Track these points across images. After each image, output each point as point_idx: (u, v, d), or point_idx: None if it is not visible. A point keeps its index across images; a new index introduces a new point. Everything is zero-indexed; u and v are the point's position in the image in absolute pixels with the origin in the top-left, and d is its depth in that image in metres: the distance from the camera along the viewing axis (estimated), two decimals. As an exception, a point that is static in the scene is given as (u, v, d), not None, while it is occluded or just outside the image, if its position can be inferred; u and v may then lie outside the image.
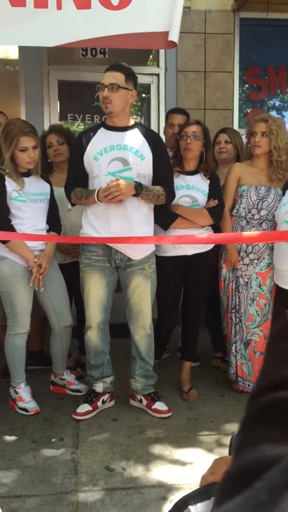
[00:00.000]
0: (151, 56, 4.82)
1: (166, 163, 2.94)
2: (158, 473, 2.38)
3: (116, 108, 2.75)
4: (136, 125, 2.90)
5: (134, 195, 2.72)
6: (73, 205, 2.98)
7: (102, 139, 2.80)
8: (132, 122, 2.89)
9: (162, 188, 2.82)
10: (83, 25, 2.99)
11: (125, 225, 2.79)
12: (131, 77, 2.78)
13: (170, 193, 2.88)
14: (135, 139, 2.82)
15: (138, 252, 2.86)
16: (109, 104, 2.74)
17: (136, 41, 3.07)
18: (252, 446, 0.31)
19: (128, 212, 2.78)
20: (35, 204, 2.93)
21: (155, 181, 2.85)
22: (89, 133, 2.87)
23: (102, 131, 2.84)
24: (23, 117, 4.45)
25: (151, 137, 2.88)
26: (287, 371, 0.33)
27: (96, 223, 2.81)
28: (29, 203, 2.90)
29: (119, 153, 2.77)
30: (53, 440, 2.68)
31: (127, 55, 4.38)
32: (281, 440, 0.29)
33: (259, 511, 0.26)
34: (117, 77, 2.73)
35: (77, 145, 2.89)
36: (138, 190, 2.71)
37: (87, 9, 2.99)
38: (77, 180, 2.85)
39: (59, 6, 2.97)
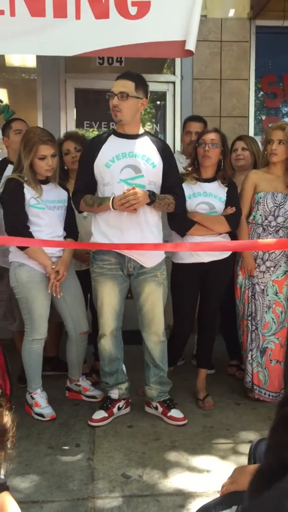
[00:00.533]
0: (166, 64, 4.85)
1: (175, 171, 2.96)
2: (175, 480, 2.37)
3: (126, 116, 2.76)
4: (145, 133, 2.91)
5: (148, 204, 2.74)
6: (80, 212, 2.98)
7: (113, 146, 2.81)
8: (142, 130, 2.90)
9: (172, 196, 2.84)
10: (101, 35, 3.03)
11: (137, 233, 2.79)
12: (141, 85, 2.79)
13: (179, 201, 2.89)
14: (145, 147, 2.83)
15: (150, 260, 2.87)
16: (118, 113, 2.75)
17: (154, 50, 3.09)
18: (281, 448, 0.34)
19: (140, 220, 2.79)
20: (53, 211, 2.96)
21: (164, 189, 2.86)
22: (99, 140, 2.88)
23: (112, 139, 2.85)
24: (40, 125, 4.51)
25: (160, 145, 2.89)
26: None
27: (108, 231, 2.81)
28: (47, 210, 2.93)
29: (131, 161, 2.77)
30: (69, 446, 2.68)
31: (143, 63, 4.43)
32: None
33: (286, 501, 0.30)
34: (127, 86, 2.73)
35: (87, 152, 2.89)
36: (152, 198, 2.72)
37: (105, 18, 3.02)
38: (86, 187, 2.85)
39: (77, 16, 3.01)
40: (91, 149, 2.86)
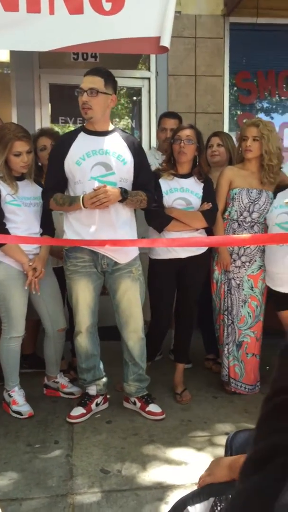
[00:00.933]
0: (142, 60, 4.85)
1: (147, 167, 2.95)
2: (153, 474, 2.40)
3: (96, 113, 2.73)
4: (115, 129, 2.89)
5: (120, 201, 2.73)
6: (50, 210, 2.95)
7: (83, 144, 2.78)
8: (111, 126, 2.88)
9: (144, 193, 2.83)
10: (76, 30, 3.02)
11: (109, 230, 2.78)
12: (110, 81, 2.76)
13: (151, 196, 2.89)
14: (116, 143, 2.81)
15: (124, 256, 2.86)
16: (89, 110, 2.71)
17: (128, 46, 3.10)
18: (266, 436, 0.38)
19: (112, 217, 2.78)
20: (29, 208, 2.94)
21: (136, 185, 2.85)
22: (69, 137, 2.84)
23: (82, 136, 2.81)
24: (14, 120, 4.46)
25: (131, 141, 2.87)
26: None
27: (81, 229, 2.79)
28: (23, 207, 2.91)
29: (102, 158, 2.75)
30: (48, 443, 2.68)
31: (118, 59, 4.41)
32: None
33: (272, 487, 0.32)
34: (96, 82, 2.70)
35: (57, 150, 2.85)
36: (124, 196, 2.72)
37: (80, 14, 3.01)
38: (56, 185, 2.82)
39: (51, 11, 2.99)
40: (61, 147, 2.82)
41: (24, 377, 3.16)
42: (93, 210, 2.70)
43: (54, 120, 4.75)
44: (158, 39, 3.07)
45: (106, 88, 2.73)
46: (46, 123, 4.58)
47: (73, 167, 2.75)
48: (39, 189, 3.03)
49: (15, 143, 2.82)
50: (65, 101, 4.88)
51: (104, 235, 2.76)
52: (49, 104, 4.67)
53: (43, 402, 3.17)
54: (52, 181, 2.85)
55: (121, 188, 2.72)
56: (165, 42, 3.04)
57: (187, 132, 3.02)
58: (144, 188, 2.85)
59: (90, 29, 3.03)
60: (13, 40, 3.01)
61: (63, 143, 2.82)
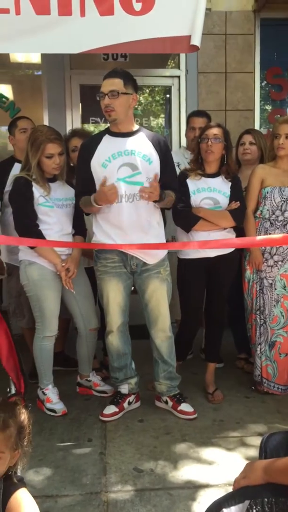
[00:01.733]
0: (171, 58, 4.84)
1: (171, 165, 2.95)
2: (186, 474, 2.40)
3: (120, 114, 2.74)
4: (140, 129, 2.90)
5: (156, 201, 2.74)
6: (87, 214, 2.99)
7: (108, 146, 2.79)
8: (136, 126, 2.89)
9: (173, 193, 2.84)
10: (107, 31, 3.03)
11: (139, 231, 2.80)
12: (129, 81, 2.77)
13: (178, 196, 2.91)
14: (141, 143, 2.81)
15: (153, 256, 2.87)
16: (112, 112, 2.73)
17: (159, 45, 3.09)
18: None
19: (141, 218, 2.79)
20: (61, 209, 2.99)
21: (162, 183, 2.82)
22: (94, 141, 2.86)
23: (107, 138, 2.83)
24: (45, 121, 4.53)
25: (156, 140, 2.87)
26: None
27: (110, 230, 2.81)
28: (56, 208, 2.95)
29: (128, 159, 2.76)
30: (81, 441, 2.72)
31: (147, 58, 4.41)
32: None
33: None
34: (116, 84, 2.72)
35: (83, 154, 2.86)
36: (162, 196, 2.73)
37: (110, 15, 3.02)
38: (85, 188, 2.84)
39: (82, 13, 3.01)
40: (86, 150, 2.84)
41: (57, 375, 3.21)
42: (121, 211, 2.71)
43: (85, 120, 4.80)
44: (188, 38, 3.05)
45: (126, 88, 2.74)
46: (77, 124, 4.62)
47: (100, 169, 2.77)
48: (71, 190, 3.07)
49: (48, 145, 2.86)
50: (96, 102, 4.87)
51: (134, 236, 2.78)
52: (80, 105, 4.71)
53: (76, 400, 3.21)
54: (80, 186, 2.89)
55: (161, 190, 2.72)
56: (196, 41, 3.02)
57: (214, 131, 3.00)
58: (169, 186, 2.85)
59: (120, 30, 3.04)
60: (46, 43, 3.04)
61: (88, 147, 2.84)
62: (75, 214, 3.07)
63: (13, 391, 2.41)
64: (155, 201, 2.75)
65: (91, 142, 2.87)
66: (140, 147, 2.79)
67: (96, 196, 2.71)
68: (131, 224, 2.78)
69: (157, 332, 3.00)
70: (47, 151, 2.87)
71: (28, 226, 2.88)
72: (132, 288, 3.02)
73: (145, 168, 2.77)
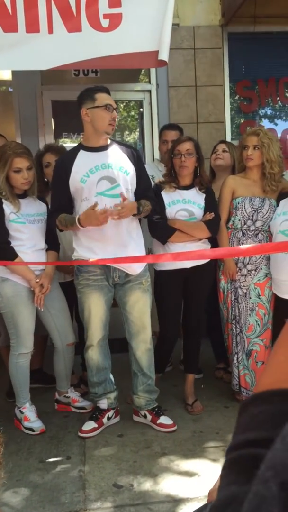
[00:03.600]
0: (142, 73, 4.89)
1: (145, 174, 3.01)
2: (166, 487, 2.39)
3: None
4: (113, 142, 2.94)
5: (134, 215, 2.78)
6: (61, 231, 2.99)
7: (84, 161, 2.81)
8: (109, 140, 2.93)
9: (149, 202, 2.88)
10: (75, 48, 3.06)
11: (120, 244, 2.83)
12: None
13: (154, 204, 2.95)
14: (116, 156, 2.86)
15: (135, 267, 2.89)
16: (113, 126, 2.83)
17: (127, 61, 3.13)
18: (226, 486, 0.43)
19: (122, 231, 2.82)
20: (33, 225, 2.98)
21: (137, 193, 2.89)
22: (69, 157, 2.88)
23: (82, 153, 2.85)
24: (18, 137, 4.52)
25: (129, 151, 2.93)
26: (247, 436, 0.44)
27: (91, 244, 2.82)
28: (28, 224, 2.94)
29: (105, 172, 2.79)
30: (60, 459, 2.69)
31: (118, 73, 4.46)
32: (245, 483, 0.40)
33: None
34: (113, 100, 2.83)
35: (59, 171, 2.87)
36: (140, 209, 2.77)
37: (78, 32, 3.05)
38: (62, 205, 2.85)
39: (50, 30, 3.03)
40: (62, 168, 2.85)
41: (34, 393, 3.18)
42: (102, 225, 2.72)
43: (57, 135, 4.80)
44: (156, 53, 3.09)
45: None
46: (50, 139, 4.62)
47: (78, 185, 2.79)
48: (43, 206, 3.07)
49: (15, 159, 2.86)
50: (68, 117, 4.93)
51: (115, 249, 2.80)
52: (52, 120, 4.72)
53: (55, 417, 3.18)
54: (57, 202, 2.89)
55: (137, 201, 2.78)
56: (164, 56, 3.06)
57: (186, 146, 3.04)
58: (145, 195, 2.90)
59: (89, 46, 3.07)
60: (14, 60, 3.06)
61: (64, 164, 2.85)
62: (48, 229, 3.07)
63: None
64: (134, 214, 2.78)
65: (66, 159, 2.88)
66: (116, 159, 2.83)
67: (83, 217, 2.69)
68: (112, 237, 2.80)
69: (138, 344, 3.00)
70: (14, 165, 2.87)
71: (0, 243, 2.86)
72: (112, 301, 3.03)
73: (123, 179, 2.81)
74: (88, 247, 2.84)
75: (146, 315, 2.98)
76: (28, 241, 2.94)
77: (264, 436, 0.42)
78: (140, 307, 2.95)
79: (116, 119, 2.83)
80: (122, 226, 2.81)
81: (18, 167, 2.88)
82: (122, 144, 3.08)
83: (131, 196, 2.85)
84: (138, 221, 2.96)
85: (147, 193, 2.92)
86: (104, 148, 2.86)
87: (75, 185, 2.80)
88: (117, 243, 2.81)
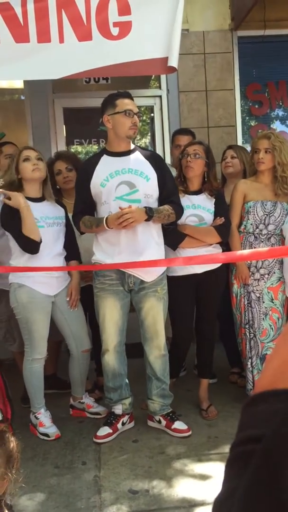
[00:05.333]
0: (152, 78, 4.92)
1: (170, 180, 3.00)
2: (182, 492, 2.39)
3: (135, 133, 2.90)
4: (136, 148, 2.98)
5: (146, 220, 2.78)
6: (82, 233, 3.03)
7: (106, 165, 2.87)
8: (132, 146, 2.96)
9: (171, 207, 2.88)
10: (86, 56, 3.09)
11: (137, 249, 2.83)
12: None
13: (178, 209, 2.94)
14: (138, 161, 2.89)
15: (150, 274, 2.90)
16: (135, 130, 2.86)
17: (137, 68, 3.15)
18: (228, 480, 0.49)
19: (138, 236, 2.83)
20: (52, 228, 3.00)
21: (161, 199, 2.91)
22: (92, 161, 2.94)
23: (105, 158, 2.91)
24: (30, 145, 4.56)
25: (152, 157, 2.96)
26: (247, 433, 0.50)
27: (108, 248, 2.86)
28: (47, 228, 2.96)
29: (125, 177, 2.83)
30: (75, 465, 2.70)
31: (129, 79, 4.49)
32: (244, 476, 0.46)
33: None
34: (135, 106, 2.88)
35: (82, 174, 2.96)
36: (150, 214, 2.77)
37: (89, 40, 3.08)
38: (85, 208, 2.91)
39: (61, 40, 3.07)
40: (85, 171, 2.91)
41: (50, 398, 3.20)
42: (120, 230, 2.76)
43: (69, 142, 4.85)
44: (166, 59, 3.11)
45: None
46: (62, 146, 4.67)
47: (98, 189, 2.84)
48: (61, 210, 3.11)
49: (23, 151, 2.99)
50: (79, 124, 4.98)
51: (132, 254, 2.82)
52: (64, 127, 4.76)
53: (70, 423, 3.19)
54: (80, 205, 2.94)
55: (145, 207, 2.78)
56: (173, 62, 3.08)
57: (194, 147, 3.06)
58: (169, 200, 2.91)
59: (99, 55, 3.10)
60: (26, 70, 3.10)
61: (87, 168, 2.91)
62: (67, 236, 3.10)
63: (-1, 418, 2.40)
64: (146, 220, 2.78)
65: (90, 163, 2.94)
66: (137, 165, 2.86)
67: (111, 219, 2.73)
68: (129, 243, 2.82)
69: (151, 349, 3.01)
70: (23, 154, 2.96)
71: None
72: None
73: (143, 185, 2.83)
74: (105, 251, 2.88)
75: (159, 323, 2.99)
76: (47, 245, 2.95)
77: (262, 433, 0.47)
78: (154, 314, 2.96)
79: (138, 124, 2.85)
80: (139, 232, 2.81)
81: (27, 155, 2.96)
82: (145, 149, 3.13)
83: (151, 202, 2.86)
84: (158, 227, 2.95)
85: (171, 198, 2.93)
86: (126, 153, 2.90)
87: (95, 188, 2.85)
88: (131, 250, 2.83)
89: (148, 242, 2.87)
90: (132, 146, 2.96)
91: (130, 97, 2.90)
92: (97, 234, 2.92)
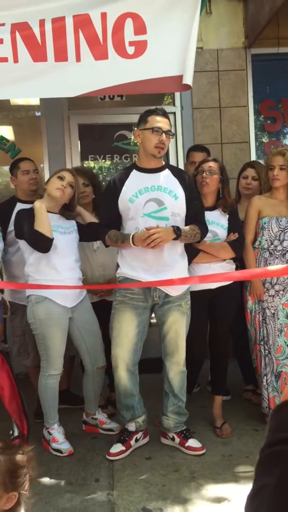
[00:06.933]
0: (167, 95, 4.97)
1: (197, 199, 3.01)
2: (196, 512, 2.36)
3: (164, 152, 2.89)
4: (166, 165, 2.99)
5: (174, 239, 2.78)
6: (107, 246, 3.02)
7: (136, 181, 2.87)
8: (162, 163, 2.97)
9: (197, 226, 2.88)
10: (101, 75, 3.13)
11: (164, 266, 2.83)
12: None
13: (204, 229, 2.95)
14: (167, 179, 2.89)
15: (176, 288, 2.90)
16: (162, 150, 2.84)
17: (152, 86, 3.18)
18: (259, 478, 0.56)
19: (164, 252, 2.82)
20: (65, 236, 3.03)
21: (188, 218, 2.90)
22: (122, 176, 2.94)
23: (135, 173, 2.91)
24: (46, 161, 4.65)
25: (182, 176, 2.96)
26: (277, 436, 0.55)
27: (135, 263, 2.85)
28: (59, 235, 2.97)
29: (154, 194, 2.83)
30: (88, 481, 2.68)
31: (143, 96, 4.52)
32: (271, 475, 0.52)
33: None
34: (169, 124, 2.87)
35: (111, 188, 2.94)
36: (178, 233, 2.76)
37: (105, 59, 3.13)
38: (112, 222, 2.91)
39: (78, 59, 3.11)
40: (115, 185, 2.91)
41: (62, 413, 3.18)
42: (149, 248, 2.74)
43: (84, 158, 4.90)
44: (180, 77, 3.14)
45: None
46: (77, 162, 4.72)
47: (127, 204, 2.84)
48: (72, 221, 3.14)
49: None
50: (94, 140, 5.03)
51: (159, 270, 2.81)
52: (79, 143, 4.82)
53: (83, 439, 3.18)
54: (107, 218, 2.94)
55: (173, 226, 2.77)
56: (188, 80, 3.11)
57: (209, 164, 3.08)
58: (195, 220, 2.91)
59: (115, 73, 3.14)
60: (43, 88, 3.15)
61: (116, 182, 2.92)
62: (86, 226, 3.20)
63: (16, 433, 2.39)
64: (174, 239, 2.78)
65: (119, 178, 2.94)
66: (166, 183, 2.87)
67: (137, 237, 2.72)
68: (155, 259, 2.82)
69: (171, 365, 2.99)
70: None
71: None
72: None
73: (171, 203, 2.83)
74: (131, 265, 2.87)
75: (181, 338, 2.96)
76: (62, 251, 2.97)
77: None
78: (177, 328, 2.94)
79: (166, 143, 2.84)
80: (165, 248, 2.81)
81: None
82: (176, 168, 3.13)
83: (179, 221, 2.85)
84: (182, 248, 2.95)
85: (197, 218, 2.93)
86: (157, 170, 2.91)
87: (123, 204, 2.86)
88: (158, 266, 2.82)
89: (174, 258, 2.87)
90: (163, 163, 2.97)
91: (164, 115, 2.89)
92: (121, 248, 2.92)
